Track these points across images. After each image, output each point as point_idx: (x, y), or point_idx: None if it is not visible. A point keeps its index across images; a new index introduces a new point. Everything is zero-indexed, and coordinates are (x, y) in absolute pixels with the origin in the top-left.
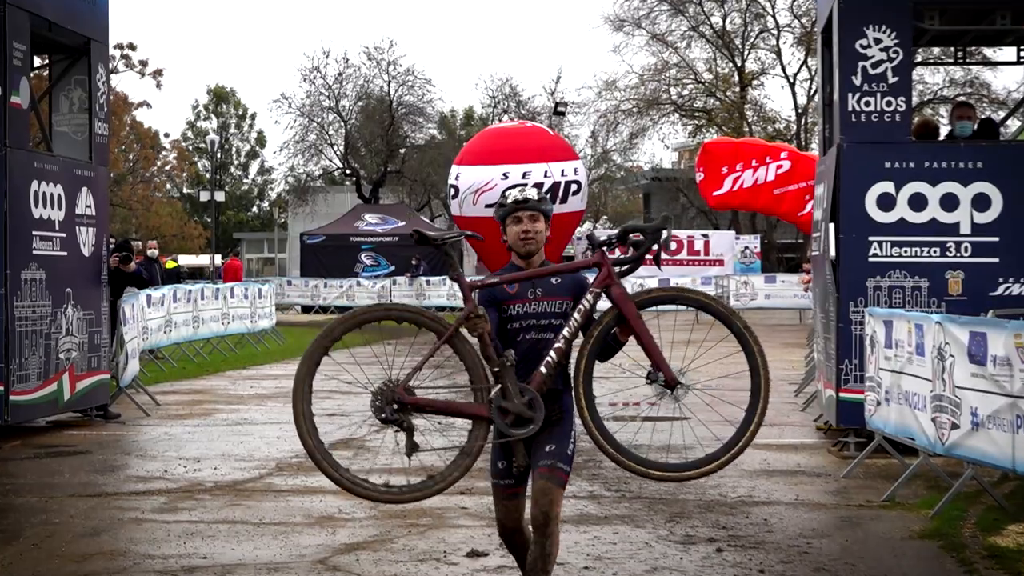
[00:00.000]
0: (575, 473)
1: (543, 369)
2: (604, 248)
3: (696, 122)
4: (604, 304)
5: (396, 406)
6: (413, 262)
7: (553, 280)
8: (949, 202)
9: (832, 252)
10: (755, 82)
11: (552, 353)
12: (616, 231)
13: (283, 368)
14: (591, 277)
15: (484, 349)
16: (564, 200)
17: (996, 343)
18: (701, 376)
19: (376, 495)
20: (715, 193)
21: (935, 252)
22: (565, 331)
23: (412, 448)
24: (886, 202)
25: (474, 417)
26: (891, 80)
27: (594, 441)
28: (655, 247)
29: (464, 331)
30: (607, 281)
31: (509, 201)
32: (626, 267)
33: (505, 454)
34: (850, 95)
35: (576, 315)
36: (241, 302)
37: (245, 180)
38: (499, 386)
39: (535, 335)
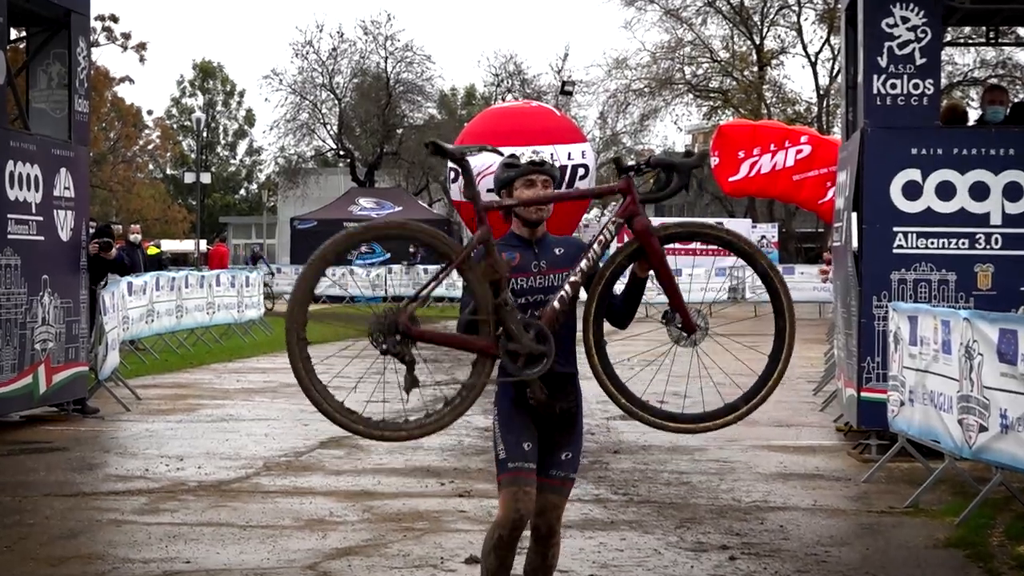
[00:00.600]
0: (580, 475)
1: (556, 304)
2: (631, 175)
3: (711, 103)
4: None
5: (399, 337)
6: (411, 249)
7: (556, 251)
8: (979, 191)
9: (854, 243)
10: (774, 61)
11: (566, 287)
12: (647, 157)
13: (271, 361)
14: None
15: (492, 270)
16: (571, 185)
17: None
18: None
19: (364, 429)
20: (731, 179)
21: (963, 244)
22: (582, 263)
23: (412, 383)
24: (912, 191)
25: (480, 351)
26: (919, 61)
27: (605, 391)
28: (684, 185)
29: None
30: (631, 210)
31: (523, 161)
32: (654, 198)
33: (527, 433)
34: (875, 77)
35: (595, 246)
36: (227, 290)
37: (232, 161)
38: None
39: (540, 312)
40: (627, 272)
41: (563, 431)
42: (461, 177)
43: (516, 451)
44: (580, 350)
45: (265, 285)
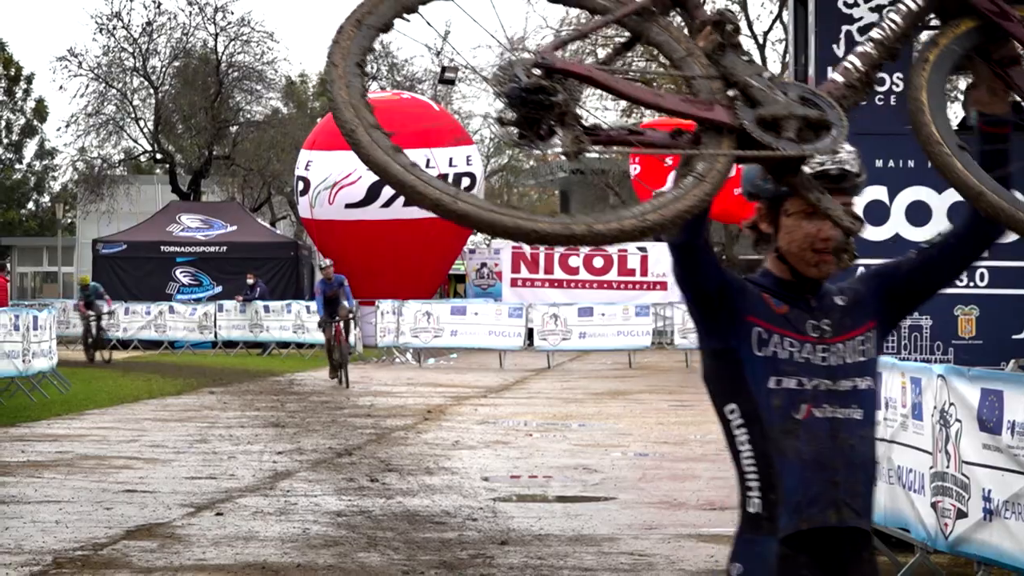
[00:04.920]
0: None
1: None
2: None
3: None
4: None
5: (540, 70)
6: (249, 281)
7: (838, 300)
8: (960, 214)
9: None
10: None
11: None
12: None
13: (67, 426)
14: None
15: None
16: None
17: (1015, 405)
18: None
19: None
20: (656, 192)
21: None
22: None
23: (575, 146)
24: (877, 214)
25: (704, 121)
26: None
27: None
28: None
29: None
30: None
31: (824, 167)
32: None
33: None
34: (830, 70)
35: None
36: (9, 334)
37: (18, 166)
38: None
39: (829, 409)
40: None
41: None
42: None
43: None
44: None
45: (96, 321)
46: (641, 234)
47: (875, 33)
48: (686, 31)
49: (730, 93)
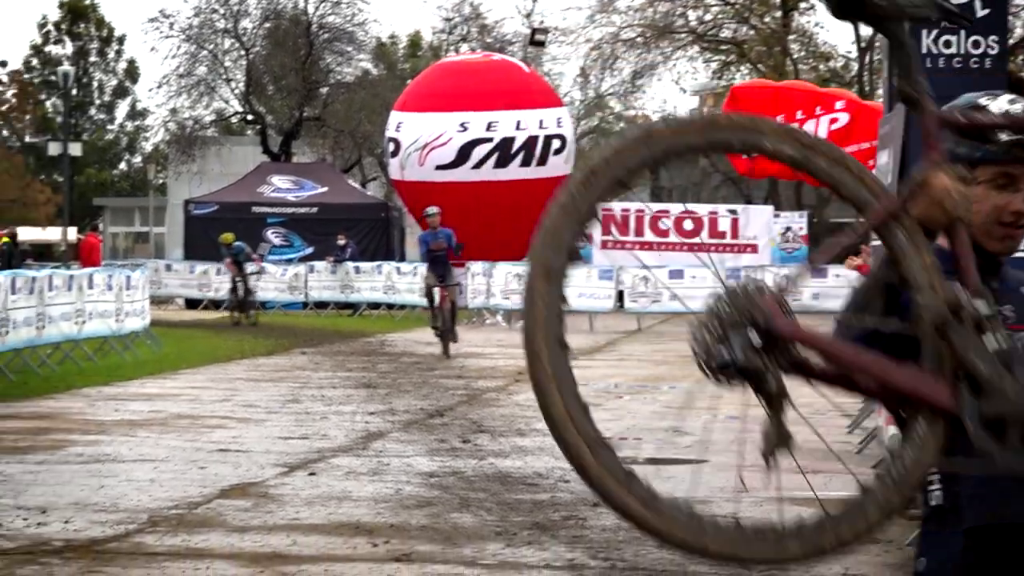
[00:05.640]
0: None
1: None
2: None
3: (723, 57)
4: None
5: (759, 339)
6: (340, 242)
7: (1022, 289)
8: None
9: None
10: (802, 4)
11: None
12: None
13: (159, 385)
14: None
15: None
16: (543, 161)
17: None
18: None
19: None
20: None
21: None
22: None
23: (781, 440)
24: None
25: (922, 401)
26: (980, 12)
27: None
28: None
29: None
30: None
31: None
32: None
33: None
34: (924, 32)
35: None
36: (103, 294)
37: (110, 127)
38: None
39: None
40: None
41: None
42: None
43: None
44: None
45: (243, 282)
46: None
47: None
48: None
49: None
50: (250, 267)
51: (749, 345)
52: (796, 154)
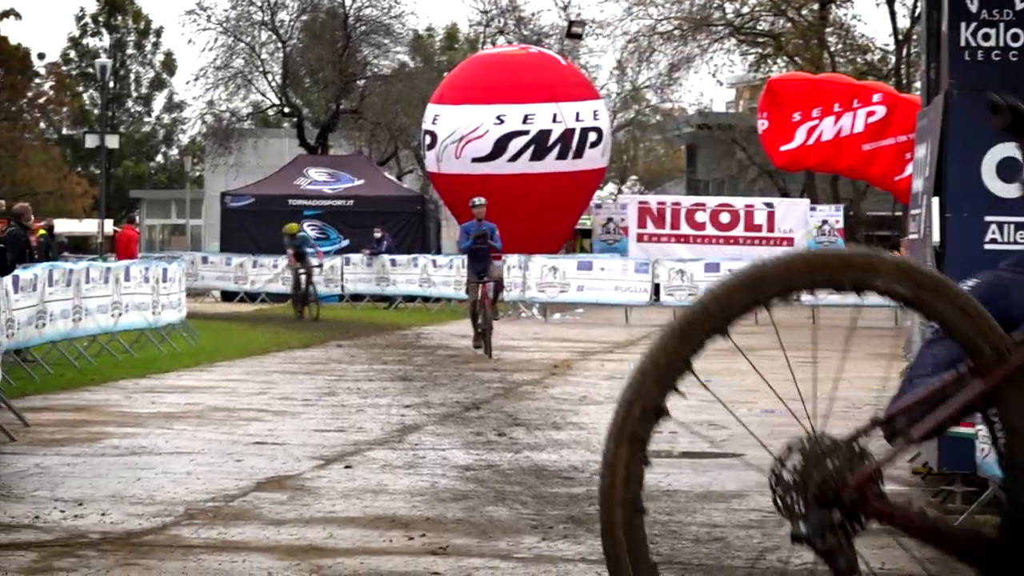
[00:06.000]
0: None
1: None
2: None
3: (759, 50)
4: None
5: (840, 515)
6: (376, 234)
7: None
8: None
9: (935, 236)
10: None
11: None
12: None
13: (195, 378)
14: None
15: None
16: (579, 154)
17: None
18: None
19: None
20: (783, 147)
21: None
22: None
23: None
24: (1010, 170)
25: None
26: (1019, 5)
27: None
28: None
29: None
30: None
31: None
32: None
33: None
34: (963, 25)
35: None
36: (139, 286)
37: (147, 119)
38: None
39: None
40: None
41: None
42: None
43: None
44: None
45: (306, 275)
46: None
47: None
48: None
49: None
50: (313, 260)
51: (830, 525)
52: (908, 294)
